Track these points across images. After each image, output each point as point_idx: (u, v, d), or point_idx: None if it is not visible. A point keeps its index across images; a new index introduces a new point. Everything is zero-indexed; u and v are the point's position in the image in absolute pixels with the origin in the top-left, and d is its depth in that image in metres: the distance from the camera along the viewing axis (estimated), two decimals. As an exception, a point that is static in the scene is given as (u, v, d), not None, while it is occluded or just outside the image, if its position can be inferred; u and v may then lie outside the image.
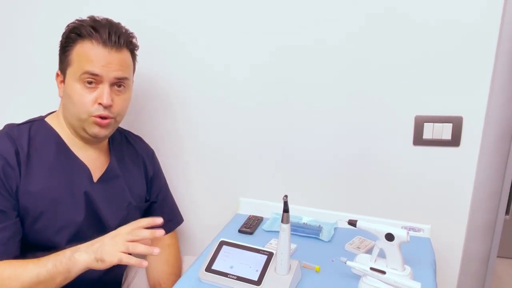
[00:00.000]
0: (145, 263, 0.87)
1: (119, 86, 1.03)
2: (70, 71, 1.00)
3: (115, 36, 1.00)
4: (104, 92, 0.98)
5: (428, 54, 1.14)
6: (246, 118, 1.31)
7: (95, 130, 1.01)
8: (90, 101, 0.98)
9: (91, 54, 0.98)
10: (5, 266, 0.89)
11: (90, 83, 0.98)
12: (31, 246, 0.98)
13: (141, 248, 0.87)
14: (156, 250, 0.87)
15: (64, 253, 0.89)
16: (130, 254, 0.88)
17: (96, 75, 0.98)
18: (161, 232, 0.90)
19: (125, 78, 1.03)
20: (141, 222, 0.92)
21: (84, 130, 1.01)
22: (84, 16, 1.03)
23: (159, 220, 0.92)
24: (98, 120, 1.00)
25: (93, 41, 0.98)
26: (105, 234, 0.92)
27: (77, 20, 1.02)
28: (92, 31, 0.98)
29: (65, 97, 1.02)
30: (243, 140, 1.33)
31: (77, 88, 0.98)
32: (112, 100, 1.00)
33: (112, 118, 1.02)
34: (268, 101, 1.28)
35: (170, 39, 1.30)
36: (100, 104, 0.99)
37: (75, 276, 0.89)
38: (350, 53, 1.19)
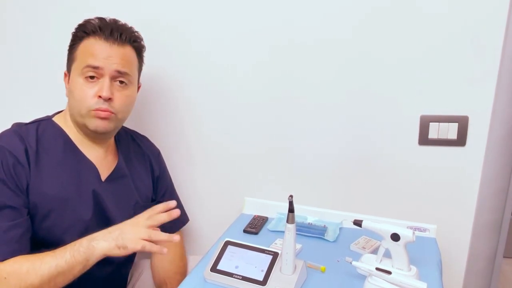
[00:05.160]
0: (165, 250, 0.90)
1: (121, 81, 1.03)
2: (73, 67, 1.02)
3: (117, 32, 1.02)
4: (104, 85, 0.99)
5: (434, 53, 1.14)
6: (251, 118, 1.31)
7: (95, 123, 1.01)
8: (90, 95, 0.99)
9: (93, 49, 1.00)
10: (22, 261, 0.90)
11: (92, 77, 0.99)
12: (39, 244, 0.98)
13: (162, 236, 0.90)
14: (176, 237, 0.91)
15: (81, 243, 0.90)
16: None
17: (97, 67, 0.99)
18: (177, 212, 0.93)
19: (126, 73, 1.03)
20: (157, 209, 0.94)
21: (86, 126, 1.02)
22: (92, 17, 1.04)
23: (172, 204, 0.95)
24: (99, 112, 1.00)
25: (96, 37, 1.00)
26: (121, 223, 0.94)
27: (85, 20, 1.04)
28: (97, 28, 1.00)
29: (69, 93, 1.04)
30: (248, 140, 1.33)
31: (79, 83, 1.00)
32: (112, 94, 1.00)
33: (112, 113, 1.01)
34: (274, 101, 1.28)
35: (176, 37, 1.30)
36: (100, 97, 0.99)
37: (92, 264, 0.90)
38: (355, 52, 1.19)
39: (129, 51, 1.05)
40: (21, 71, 1.44)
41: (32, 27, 1.39)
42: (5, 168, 0.93)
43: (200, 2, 1.26)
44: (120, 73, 1.02)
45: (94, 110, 1.00)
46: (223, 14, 1.25)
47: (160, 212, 0.94)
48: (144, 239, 0.89)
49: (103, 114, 1.00)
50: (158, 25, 1.29)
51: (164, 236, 0.90)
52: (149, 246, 0.89)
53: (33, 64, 1.42)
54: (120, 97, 1.02)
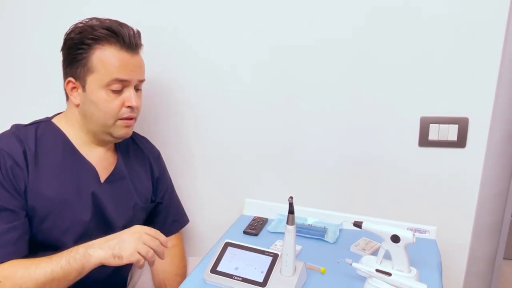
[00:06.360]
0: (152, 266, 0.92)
1: (138, 87, 1.06)
2: (93, 79, 0.99)
3: (134, 39, 1.02)
4: (131, 95, 1.02)
5: (434, 54, 1.13)
6: (251, 119, 1.31)
7: (123, 131, 1.05)
8: (117, 106, 1.01)
9: (118, 61, 0.99)
10: (17, 266, 0.90)
11: (117, 88, 1.00)
12: (38, 246, 0.98)
13: (154, 259, 0.93)
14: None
15: (77, 250, 0.91)
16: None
17: (125, 80, 1.00)
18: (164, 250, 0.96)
19: (143, 80, 1.07)
20: (161, 237, 0.95)
21: (110, 134, 1.04)
22: (87, 16, 1.03)
23: (169, 245, 0.97)
24: (127, 122, 1.04)
25: (116, 46, 0.99)
26: (121, 231, 0.94)
27: (81, 23, 1.01)
28: (112, 34, 0.98)
29: (87, 104, 1.01)
30: (248, 141, 1.33)
31: (102, 95, 1.00)
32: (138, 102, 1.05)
33: (134, 117, 1.06)
34: (274, 102, 1.28)
35: (176, 38, 1.30)
36: (128, 107, 1.02)
37: (88, 271, 0.91)
38: (354, 52, 1.18)
39: (141, 56, 1.07)
40: (20, 72, 1.44)
41: (31, 26, 1.39)
42: (3, 170, 0.93)
43: (200, 2, 1.26)
44: (141, 81, 1.06)
45: (122, 120, 1.03)
46: (223, 14, 1.25)
47: (162, 243, 0.95)
48: (141, 254, 0.90)
49: (131, 123, 1.05)
50: (158, 25, 1.29)
51: (154, 259, 0.93)
52: (143, 262, 0.91)
53: (32, 64, 1.42)
54: (139, 101, 1.06)
